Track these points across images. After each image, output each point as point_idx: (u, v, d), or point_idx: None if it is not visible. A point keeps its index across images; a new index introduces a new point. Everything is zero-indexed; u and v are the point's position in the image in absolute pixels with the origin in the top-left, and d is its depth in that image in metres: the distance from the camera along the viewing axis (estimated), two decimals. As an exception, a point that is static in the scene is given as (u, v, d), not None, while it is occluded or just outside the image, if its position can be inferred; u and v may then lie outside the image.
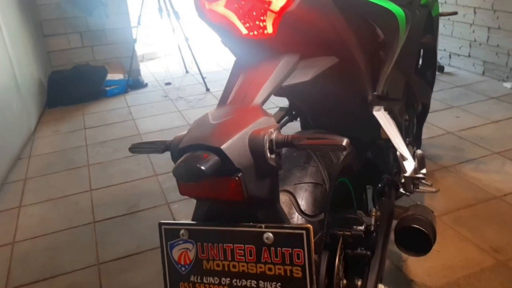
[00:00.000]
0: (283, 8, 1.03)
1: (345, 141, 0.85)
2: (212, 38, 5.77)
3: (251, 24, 1.06)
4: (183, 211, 2.37)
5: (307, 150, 1.19)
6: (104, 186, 2.72)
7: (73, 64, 4.45)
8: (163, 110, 3.89)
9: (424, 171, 1.45)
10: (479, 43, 3.90)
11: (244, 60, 1.14)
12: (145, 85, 4.59)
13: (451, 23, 4.11)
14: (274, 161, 0.89)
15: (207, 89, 4.28)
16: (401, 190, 1.56)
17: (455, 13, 2.53)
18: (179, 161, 0.82)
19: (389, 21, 1.41)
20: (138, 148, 1.02)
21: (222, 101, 1.04)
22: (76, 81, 4.24)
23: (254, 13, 1.05)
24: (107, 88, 4.37)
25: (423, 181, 1.48)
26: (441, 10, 2.29)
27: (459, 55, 4.13)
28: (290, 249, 0.87)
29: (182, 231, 0.94)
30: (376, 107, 1.42)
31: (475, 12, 3.86)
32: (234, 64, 1.14)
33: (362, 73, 1.34)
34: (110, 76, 4.45)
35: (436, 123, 2.98)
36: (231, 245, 0.91)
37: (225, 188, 0.85)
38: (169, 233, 0.96)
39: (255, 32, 1.07)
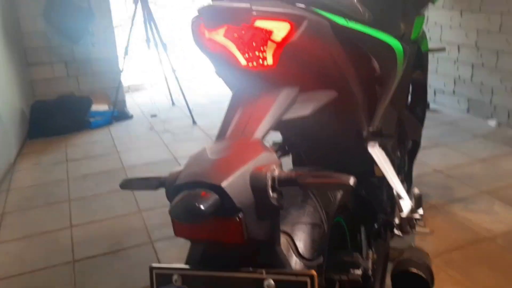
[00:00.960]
0: (284, 39, 1.00)
1: (352, 180, 0.80)
2: (200, 70, 5.76)
3: (250, 54, 1.02)
4: (168, 251, 2.27)
5: (312, 189, 1.14)
6: (85, 222, 2.61)
7: (57, 93, 4.36)
8: (148, 143, 3.82)
9: (421, 211, 1.39)
10: (463, 80, 3.91)
11: (242, 92, 1.09)
12: (131, 117, 4.51)
13: (436, 59, 4.13)
14: (276, 200, 0.83)
15: (194, 122, 4.21)
16: (396, 230, 1.50)
17: (443, 49, 2.52)
18: (176, 199, 0.76)
19: (387, 55, 1.38)
20: (130, 184, 0.96)
21: (221, 135, 0.99)
22: (59, 112, 4.15)
23: (254, 44, 1.01)
24: (91, 119, 4.28)
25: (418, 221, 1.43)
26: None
27: (444, 92, 4.14)
28: None
29: (175, 277, 0.87)
30: (370, 143, 1.37)
31: (459, 49, 3.89)
32: (232, 97, 1.09)
33: (359, 108, 1.30)
34: (94, 107, 4.37)
35: (423, 161, 2.94)
36: None
37: (224, 230, 0.79)
38: (161, 278, 0.89)
39: (254, 63, 1.03)
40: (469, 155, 3.07)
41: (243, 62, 1.03)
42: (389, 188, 1.41)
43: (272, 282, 0.81)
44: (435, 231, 2.23)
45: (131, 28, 4.35)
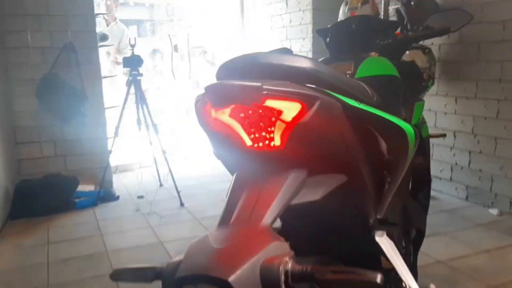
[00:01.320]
0: (295, 119, 0.94)
1: (379, 278, 0.71)
2: (190, 151, 5.71)
3: (257, 135, 0.96)
4: None
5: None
6: (62, 312, 2.42)
7: (44, 173, 4.25)
8: (133, 226, 3.66)
9: None
10: (460, 167, 3.87)
11: (246, 174, 1.01)
12: (117, 198, 4.37)
13: (431, 145, 4.10)
14: None
15: (182, 204, 4.08)
16: None
17: (444, 135, 2.50)
18: None
19: (399, 138, 1.32)
20: (121, 275, 0.88)
21: (224, 221, 0.90)
22: (44, 192, 4.01)
23: (262, 124, 0.95)
24: (77, 200, 4.14)
25: None
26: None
27: (440, 179, 4.08)
28: None
29: None
30: (378, 232, 1.28)
31: (455, 136, 3.88)
32: (235, 179, 1.01)
33: (368, 194, 1.22)
34: (81, 187, 4.25)
35: (425, 251, 2.80)
36: None
37: None
38: None
39: (261, 144, 0.96)
40: (472, 246, 2.95)
41: (248, 142, 0.97)
42: (398, 282, 1.30)
43: None
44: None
45: (122, 109, 4.36)
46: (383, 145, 1.24)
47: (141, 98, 4.38)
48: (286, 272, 0.73)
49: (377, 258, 1.31)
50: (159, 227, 3.59)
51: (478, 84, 3.65)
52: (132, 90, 4.35)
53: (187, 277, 0.71)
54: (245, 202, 0.92)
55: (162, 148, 4.28)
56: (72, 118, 4.34)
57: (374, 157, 1.22)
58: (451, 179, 3.98)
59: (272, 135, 0.95)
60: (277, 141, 0.95)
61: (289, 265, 0.74)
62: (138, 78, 4.35)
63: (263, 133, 0.96)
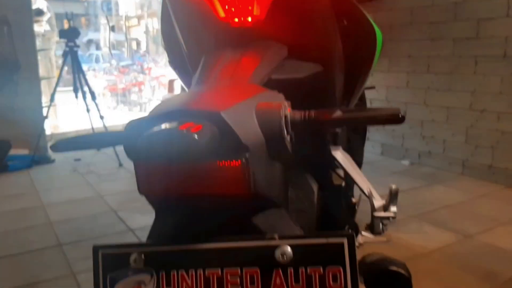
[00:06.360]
0: None
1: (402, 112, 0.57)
2: (127, 117, 5.37)
3: (232, 9, 0.77)
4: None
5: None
6: (-2, 256, 2.13)
7: (-27, 137, 3.81)
8: (71, 183, 3.34)
9: (395, 209, 1.13)
10: (376, 128, 3.88)
11: (220, 50, 0.80)
12: (52, 161, 4.01)
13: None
14: (290, 146, 0.56)
15: (120, 164, 3.79)
16: (365, 233, 1.22)
17: (373, 87, 2.45)
18: (150, 132, 0.47)
19: (370, 35, 1.18)
20: (65, 145, 0.64)
21: (199, 82, 0.69)
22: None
23: None
24: (9, 163, 3.75)
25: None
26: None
27: (357, 140, 4.09)
28: (320, 267, 0.53)
29: (133, 256, 0.57)
30: (333, 147, 1.10)
31: (371, 102, 3.88)
32: (205, 60, 0.78)
33: (337, 90, 1.05)
34: (13, 151, 3.84)
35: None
36: (219, 270, 0.53)
37: (223, 176, 0.51)
38: (111, 261, 0.59)
39: (236, 20, 0.77)
40: (390, 188, 2.95)
41: (221, 13, 0.78)
42: (348, 197, 1.22)
43: (288, 250, 0.53)
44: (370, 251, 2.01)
45: (58, 78, 4.03)
46: (356, 40, 1.10)
47: (78, 68, 4.05)
48: (285, 117, 0.56)
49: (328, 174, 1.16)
50: (98, 184, 3.29)
51: (391, 59, 3.68)
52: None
53: (165, 114, 0.51)
54: (225, 66, 0.72)
55: (100, 114, 3.97)
56: (4, 86, 3.92)
57: (346, 49, 1.06)
58: (367, 138, 3.99)
59: (250, 7, 0.77)
60: (256, 11, 0.77)
61: (288, 110, 0.58)
62: (75, 49, 4.02)
63: (240, 6, 0.78)
